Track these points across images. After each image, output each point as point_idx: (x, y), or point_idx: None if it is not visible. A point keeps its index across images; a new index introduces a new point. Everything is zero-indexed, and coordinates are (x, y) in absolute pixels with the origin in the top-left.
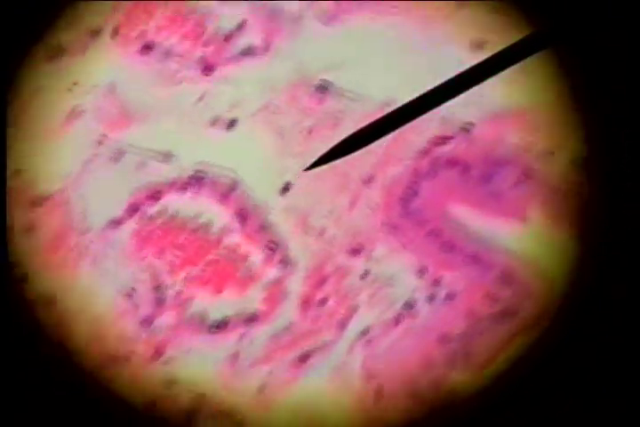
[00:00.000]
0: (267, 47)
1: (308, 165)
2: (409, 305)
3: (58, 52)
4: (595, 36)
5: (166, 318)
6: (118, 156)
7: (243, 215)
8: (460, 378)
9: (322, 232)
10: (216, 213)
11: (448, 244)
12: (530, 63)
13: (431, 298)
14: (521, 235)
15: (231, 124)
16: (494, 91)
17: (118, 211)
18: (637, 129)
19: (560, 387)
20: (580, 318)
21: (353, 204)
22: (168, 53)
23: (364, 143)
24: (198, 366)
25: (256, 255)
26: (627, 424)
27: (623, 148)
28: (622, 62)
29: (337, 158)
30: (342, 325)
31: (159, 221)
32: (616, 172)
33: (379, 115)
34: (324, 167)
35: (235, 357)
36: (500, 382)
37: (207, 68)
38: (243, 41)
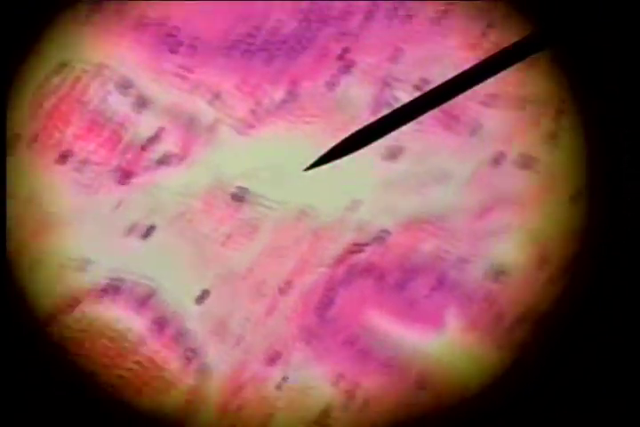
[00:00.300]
0: (183, 155)
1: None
2: (325, 413)
3: None
4: (589, 36)
5: None
6: (37, 264)
7: (160, 323)
8: None
9: (239, 340)
10: (133, 321)
11: (364, 351)
12: (441, 173)
13: (347, 405)
14: (436, 342)
15: (148, 231)
16: (409, 198)
17: (37, 319)
18: (636, 129)
19: (559, 388)
20: (579, 318)
21: (269, 311)
22: (85, 162)
23: (364, 143)
24: None
25: (173, 363)
26: (627, 424)
27: (622, 148)
28: (617, 63)
29: (337, 158)
30: None
31: (77, 330)
32: (616, 172)
33: (296, 223)
34: (241, 275)
35: None
36: (501, 382)
37: (124, 177)
38: (159, 149)
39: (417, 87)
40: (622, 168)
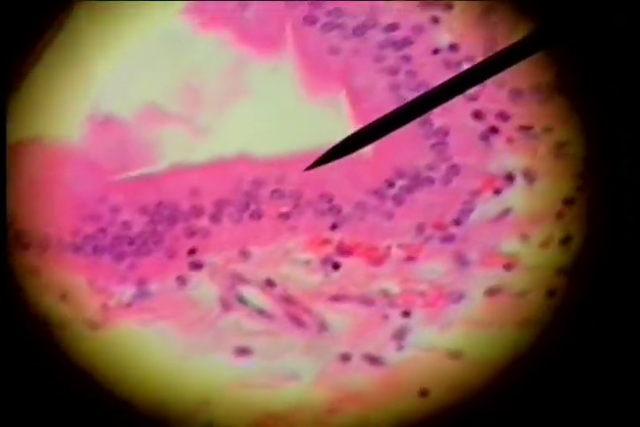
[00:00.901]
0: None
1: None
2: None
3: None
4: (589, 36)
5: None
6: None
7: None
8: None
9: None
10: None
11: None
12: (290, 371)
13: None
14: None
15: None
16: (259, 396)
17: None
18: (637, 133)
19: (560, 388)
20: (579, 319)
21: None
22: None
23: (364, 143)
24: None
25: None
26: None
27: (622, 152)
28: (617, 63)
29: (336, 159)
30: None
31: None
32: (616, 175)
33: None
34: None
35: None
36: (501, 382)
37: None
38: None
39: (268, 282)
40: (622, 172)
